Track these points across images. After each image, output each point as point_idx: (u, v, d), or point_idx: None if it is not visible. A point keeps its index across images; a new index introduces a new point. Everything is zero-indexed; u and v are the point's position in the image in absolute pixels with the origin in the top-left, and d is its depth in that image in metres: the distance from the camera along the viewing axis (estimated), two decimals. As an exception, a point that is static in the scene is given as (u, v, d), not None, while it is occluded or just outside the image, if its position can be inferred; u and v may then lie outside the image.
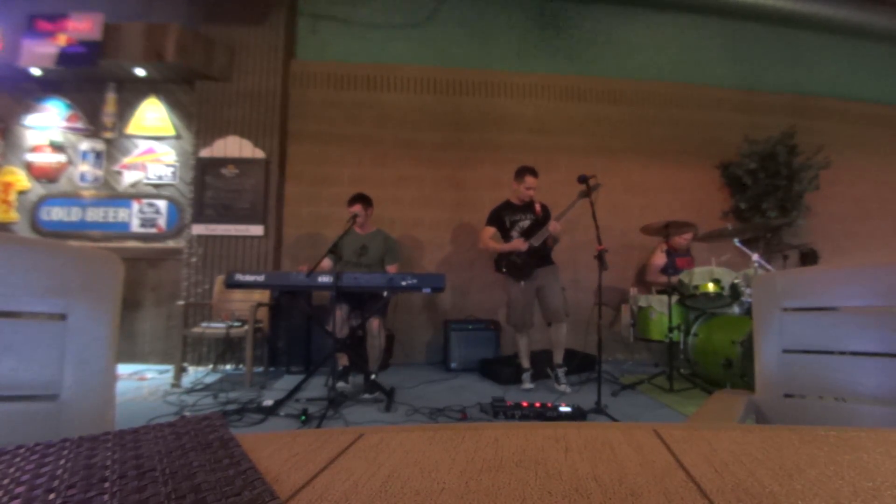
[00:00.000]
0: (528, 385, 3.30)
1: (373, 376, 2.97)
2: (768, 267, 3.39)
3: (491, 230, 3.42)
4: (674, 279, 3.40)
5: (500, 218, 3.39)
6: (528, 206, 3.38)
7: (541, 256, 3.29)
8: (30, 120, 4.13)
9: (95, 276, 0.70)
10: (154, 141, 4.19)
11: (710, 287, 3.26)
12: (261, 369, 3.72)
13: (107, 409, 0.68)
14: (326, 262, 3.18)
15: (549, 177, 4.38)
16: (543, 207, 3.40)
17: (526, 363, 3.37)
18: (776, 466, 0.40)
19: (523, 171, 3.34)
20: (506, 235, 3.38)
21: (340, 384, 2.96)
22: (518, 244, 3.23)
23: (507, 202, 3.45)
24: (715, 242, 3.80)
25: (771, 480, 0.37)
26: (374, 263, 3.36)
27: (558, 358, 3.32)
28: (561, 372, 3.27)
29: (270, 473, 0.38)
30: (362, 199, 3.31)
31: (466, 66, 4.57)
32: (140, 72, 4.01)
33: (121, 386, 3.14)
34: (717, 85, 4.81)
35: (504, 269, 3.28)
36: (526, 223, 3.33)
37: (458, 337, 3.92)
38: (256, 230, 4.07)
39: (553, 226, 3.21)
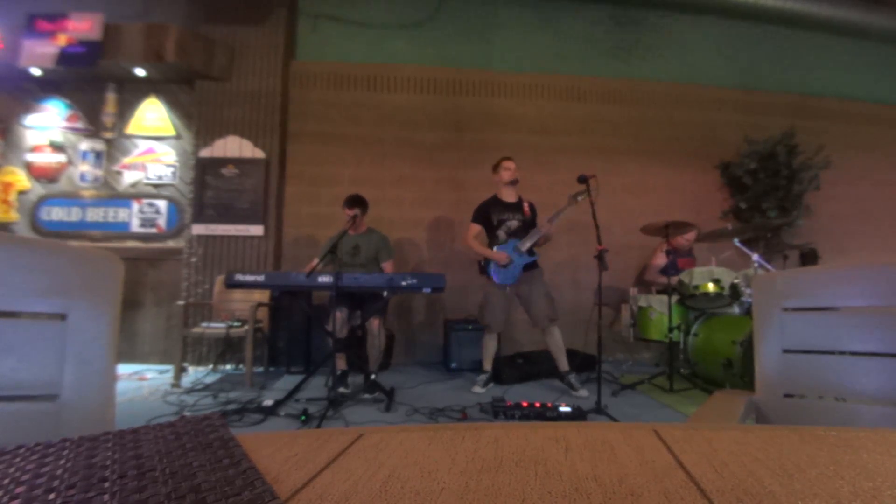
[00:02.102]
0: (479, 388, 3.19)
1: (373, 376, 2.97)
2: (768, 267, 3.39)
3: (476, 228, 3.33)
4: (674, 279, 3.40)
5: (487, 215, 3.29)
6: (516, 206, 3.31)
7: (526, 261, 3.18)
8: (30, 120, 4.13)
9: (95, 276, 0.70)
10: (154, 141, 4.19)
11: (710, 287, 3.26)
12: (261, 369, 3.72)
13: (107, 409, 0.68)
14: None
15: (550, 177, 4.40)
16: (531, 207, 3.34)
17: (487, 365, 3.30)
18: (776, 466, 0.40)
19: (499, 161, 3.38)
20: (491, 234, 3.30)
21: (341, 389, 2.96)
22: (500, 257, 3.14)
23: (495, 197, 3.36)
24: (715, 242, 3.80)
25: (771, 480, 0.37)
26: (369, 262, 3.36)
27: (563, 365, 3.15)
28: (572, 378, 3.12)
29: (270, 473, 0.38)
30: (361, 204, 3.32)
31: (466, 66, 4.57)
32: (140, 72, 4.01)
33: (121, 386, 3.14)
34: (717, 85, 4.81)
35: (489, 273, 3.18)
36: (514, 223, 3.26)
37: (458, 337, 3.91)
38: (256, 230, 4.07)
39: (546, 228, 3.14)
